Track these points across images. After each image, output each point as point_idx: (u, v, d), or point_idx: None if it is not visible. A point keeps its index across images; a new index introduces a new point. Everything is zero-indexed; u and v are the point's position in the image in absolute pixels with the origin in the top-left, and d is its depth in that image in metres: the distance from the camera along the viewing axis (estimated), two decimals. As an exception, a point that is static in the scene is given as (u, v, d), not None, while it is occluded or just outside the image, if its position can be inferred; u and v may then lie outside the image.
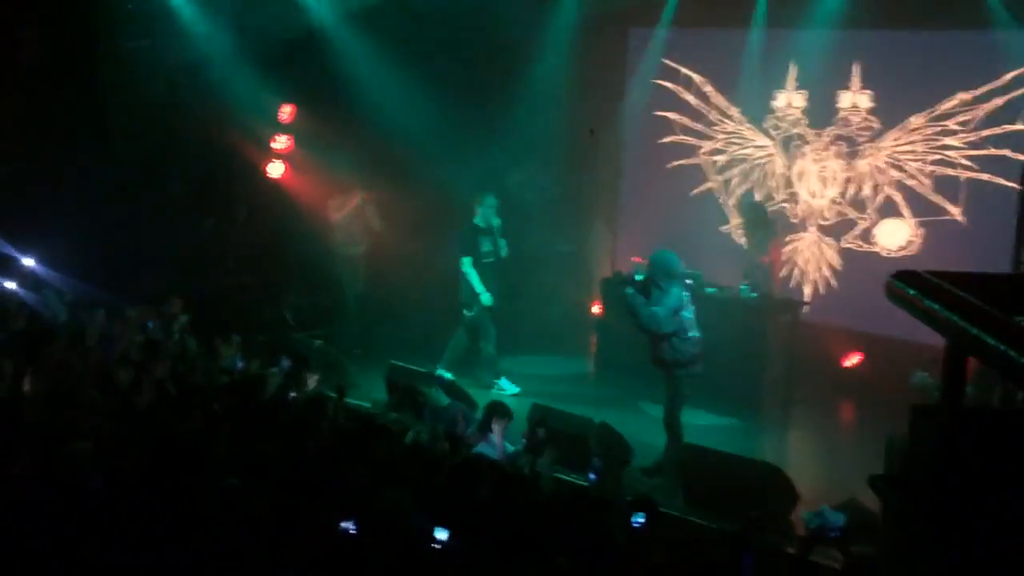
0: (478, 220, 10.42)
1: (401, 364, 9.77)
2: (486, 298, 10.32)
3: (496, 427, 7.62)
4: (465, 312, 10.45)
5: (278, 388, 8.04)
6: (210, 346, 9.18)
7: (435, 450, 7.11)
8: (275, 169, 12.63)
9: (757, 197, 11.82)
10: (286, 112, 12.62)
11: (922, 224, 10.86)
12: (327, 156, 12.38)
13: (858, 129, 11.21)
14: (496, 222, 10.46)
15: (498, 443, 7.59)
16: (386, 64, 11.99)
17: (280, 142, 12.62)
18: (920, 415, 3.37)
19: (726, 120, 12.09)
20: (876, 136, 11.12)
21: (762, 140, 11.87)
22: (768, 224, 10.98)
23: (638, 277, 8.49)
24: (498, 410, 7.75)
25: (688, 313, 8.36)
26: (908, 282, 3.32)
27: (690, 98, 12.24)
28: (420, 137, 11.88)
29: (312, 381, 8.56)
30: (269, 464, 5.98)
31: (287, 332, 11.53)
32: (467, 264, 10.32)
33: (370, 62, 12.05)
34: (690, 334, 8.33)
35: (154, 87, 11.79)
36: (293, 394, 8.08)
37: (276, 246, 12.62)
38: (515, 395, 10.18)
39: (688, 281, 9.99)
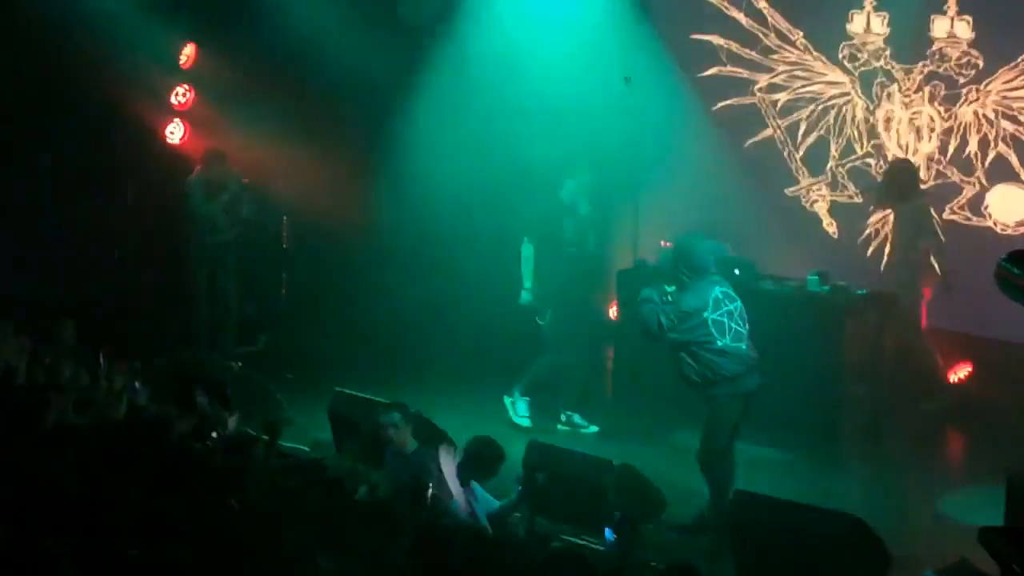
0: (563, 194, 10.53)
1: (350, 392, 9.73)
2: (524, 296, 10.53)
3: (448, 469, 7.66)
4: (538, 320, 10.59)
5: (192, 430, 8.03)
6: (94, 373, 9.16)
7: (397, 509, 7.13)
8: (174, 132, 12.65)
9: (834, 150, 11.82)
10: (186, 54, 12.61)
11: (1047, 191, 10.94)
12: (240, 113, 12.41)
13: (958, 66, 11.24)
14: (585, 209, 10.57)
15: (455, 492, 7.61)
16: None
17: (179, 96, 12.63)
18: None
19: (787, 47, 12.09)
20: (981, 77, 11.16)
21: (835, 75, 11.88)
22: (919, 196, 10.96)
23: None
24: (482, 456, 7.75)
25: (720, 316, 8.35)
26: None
27: (739, 16, 12.22)
28: (370, 88, 11.91)
29: (231, 419, 8.54)
30: (179, 529, 6.00)
31: (197, 351, 11.56)
32: (528, 248, 10.48)
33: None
34: (720, 343, 8.31)
35: (16, 28, 11.76)
36: (211, 436, 8.08)
37: (178, 235, 12.62)
38: (522, 427, 10.32)
39: (735, 271, 10.05)
